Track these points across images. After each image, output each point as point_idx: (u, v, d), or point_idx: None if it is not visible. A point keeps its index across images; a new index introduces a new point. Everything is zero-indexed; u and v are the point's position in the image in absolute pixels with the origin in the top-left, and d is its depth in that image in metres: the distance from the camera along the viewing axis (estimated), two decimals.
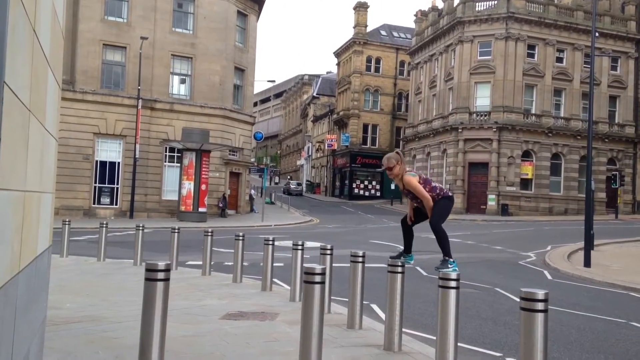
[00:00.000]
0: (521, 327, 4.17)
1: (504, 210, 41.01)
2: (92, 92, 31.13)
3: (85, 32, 31.06)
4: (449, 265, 5.98)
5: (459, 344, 5.36)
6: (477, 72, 43.65)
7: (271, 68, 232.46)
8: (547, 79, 43.59)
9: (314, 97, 78.19)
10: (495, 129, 42.05)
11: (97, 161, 31.27)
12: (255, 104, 71.70)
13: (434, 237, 6.23)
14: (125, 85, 31.98)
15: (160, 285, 4.51)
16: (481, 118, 43.17)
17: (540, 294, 4.14)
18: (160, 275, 4.54)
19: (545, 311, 4.11)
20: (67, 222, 14.18)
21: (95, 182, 31.18)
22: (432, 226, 6.23)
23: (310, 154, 78.78)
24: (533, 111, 43.64)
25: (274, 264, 10.45)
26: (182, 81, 34.00)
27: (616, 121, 45.94)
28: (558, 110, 44.60)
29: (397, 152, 6.63)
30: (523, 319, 4.15)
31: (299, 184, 69.41)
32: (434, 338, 5.64)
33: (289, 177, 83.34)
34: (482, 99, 43.70)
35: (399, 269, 6.31)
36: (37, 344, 4.34)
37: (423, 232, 29.17)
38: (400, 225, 6.74)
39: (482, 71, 43.53)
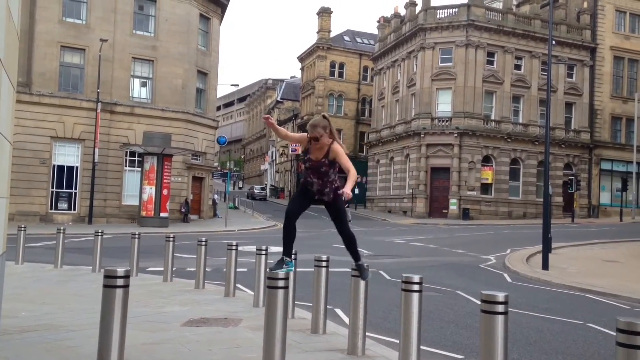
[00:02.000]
0: (482, 329, 4.23)
1: (465, 214, 41.70)
2: (50, 95, 30.36)
3: (42, 33, 30.29)
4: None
5: (421, 347, 5.41)
6: (439, 78, 44.34)
7: (235, 72, 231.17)
8: (506, 85, 44.60)
9: (278, 102, 78.14)
10: (456, 135, 42.75)
11: (54, 165, 30.48)
12: (218, 108, 71.18)
13: (345, 233, 5.84)
14: (84, 88, 31.30)
15: (119, 292, 4.42)
16: (443, 124, 43.84)
17: (501, 296, 4.21)
18: (120, 281, 4.44)
19: (505, 313, 4.18)
20: (22, 228, 13.74)
21: (53, 187, 30.37)
22: (345, 227, 5.82)
23: (274, 158, 78.59)
24: (493, 117, 44.55)
25: (238, 270, 10.36)
26: (143, 84, 33.47)
27: (572, 127, 47.29)
28: (517, 116, 45.65)
29: (324, 117, 5.84)
30: (483, 321, 4.20)
31: (263, 189, 69.14)
32: (397, 341, 5.67)
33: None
34: (444, 104, 44.40)
35: None
36: None
37: (387, 237, 29.26)
38: (285, 222, 5.76)
39: (443, 77, 44.23)
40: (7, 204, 4.57)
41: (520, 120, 45.49)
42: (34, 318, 7.50)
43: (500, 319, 4.15)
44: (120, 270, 4.49)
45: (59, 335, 6.59)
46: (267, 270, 5.02)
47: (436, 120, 44.17)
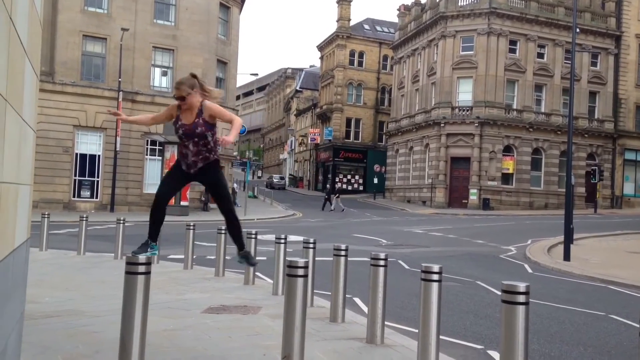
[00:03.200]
0: (502, 319, 4.20)
1: (485, 204, 41.37)
2: (72, 84, 30.68)
3: (64, 22, 30.57)
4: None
5: (441, 337, 5.39)
6: (460, 67, 43.86)
7: (254, 61, 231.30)
8: (528, 74, 43.95)
9: (297, 91, 78.00)
10: (477, 124, 42.33)
11: (77, 154, 30.87)
12: (238, 97, 71.31)
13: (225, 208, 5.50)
14: (105, 77, 31.58)
15: (140, 278, 4.46)
16: (463, 113, 43.42)
17: (522, 286, 4.17)
18: (141, 268, 4.49)
19: (526, 304, 4.14)
20: (46, 215, 13.96)
21: (75, 175, 30.79)
22: (231, 205, 5.48)
23: (293, 147, 78.64)
24: (514, 106, 43.98)
25: (257, 258, 10.41)
26: (164, 73, 33.66)
27: (596, 117, 46.50)
28: (539, 105, 45.00)
29: (192, 75, 5.31)
30: (504, 312, 4.17)
31: (282, 178, 69.27)
32: (416, 331, 5.66)
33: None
34: (465, 94, 43.94)
35: (382, 263, 6.32)
36: (15, 338, 4.27)
37: (406, 226, 29.17)
38: (154, 205, 5.37)
39: (464, 66, 43.74)
40: (31, 191, 4.64)
41: (543, 110, 44.84)
42: (57, 304, 7.64)
43: (521, 309, 4.11)
44: (142, 258, 4.54)
45: (82, 320, 6.70)
46: (131, 253, 4.79)
47: (457, 110, 43.76)
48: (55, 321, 6.60)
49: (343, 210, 38.20)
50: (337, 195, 40.64)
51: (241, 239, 5.57)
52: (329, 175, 61.02)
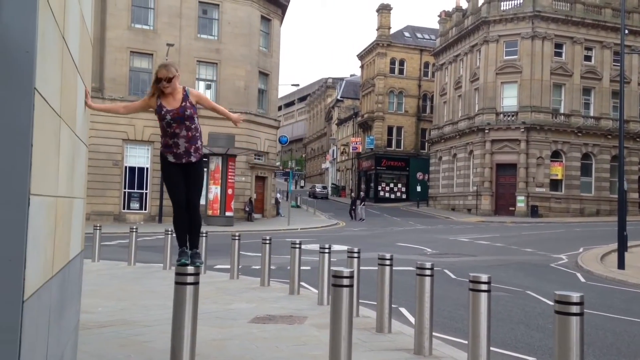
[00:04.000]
0: (555, 330, 4.07)
1: (533, 211, 40.37)
2: (121, 99, 31.60)
3: (112, 39, 31.59)
4: (197, 259, 5.19)
5: (491, 348, 5.27)
6: (504, 72, 43.12)
7: (295, 72, 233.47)
8: (575, 77, 42.82)
9: (338, 100, 78.19)
10: (523, 130, 41.46)
11: (126, 167, 31.75)
12: (279, 108, 71.98)
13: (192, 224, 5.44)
14: None
15: (190, 289, 4.54)
16: (508, 118, 42.61)
17: (575, 296, 4.04)
18: (190, 279, 4.56)
19: (580, 314, 4.00)
20: (98, 227, 14.38)
21: (125, 188, 31.64)
22: (198, 200, 5.41)
23: (335, 157, 78.73)
24: (562, 110, 42.90)
25: (301, 268, 10.44)
26: (208, 87, 34.31)
27: None
28: (587, 109, 43.75)
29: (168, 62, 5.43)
30: (558, 323, 4.05)
31: (325, 187, 69.39)
32: (465, 342, 5.55)
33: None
34: (509, 99, 43.15)
35: (427, 272, 6.23)
36: (71, 348, 4.39)
37: (451, 235, 28.72)
38: (176, 212, 5.34)
39: (508, 71, 42.98)
40: (84, 204, 4.79)
41: (592, 114, 43.57)
42: (109, 313, 7.83)
43: (575, 320, 3.98)
44: (191, 268, 4.62)
45: (134, 330, 6.85)
46: (176, 262, 4.92)
47: (501, 115, 42.98)
48: (108, 331, 6.77)
49: (362, 219, 37.08)
50: (362, 202, 39.20)
51: (196, 237, 5.41)
52: (372, 184, 60.79)
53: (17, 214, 2.18)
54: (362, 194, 46.63)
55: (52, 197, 2.82)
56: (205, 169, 31.14)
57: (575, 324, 3.98)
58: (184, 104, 5.12)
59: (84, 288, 5.41)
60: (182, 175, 5.30)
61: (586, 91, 43.47)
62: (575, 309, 4.01)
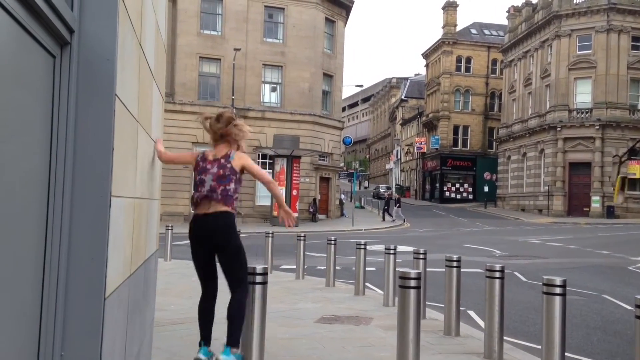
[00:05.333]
0: (637, 337, 3.88)
1: (609, 212, 38.53)
2: (191, 104, 32.60)
3: (183, 46, 32.64)
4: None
5: (566, 354, 5.07)
6: (577, 67, 41.43)
7: (359, 72, 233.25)
8: None
9: (402, 100, 77.49)
10: (597, 127, 39.67)
11: None
12: (343, 109, 72.07)
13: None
14: (220, 95, 33.26)
15: (258, 288, 4.63)
16: (582, 115, 40.89)
17: None
18: (259, 278, 4.66)
19: None
20: (170, 228, 14.89)
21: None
22: (242, 285, 4.54)
23: (399, 157, 78.06)
24: (639, 106, 40.75)
25: (366, 268, 10.41)
26: (273, 89, 34.84)
27: None
28: None
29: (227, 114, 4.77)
30: (639, 329, 3.85)
31: (389, 188, 68.95)
32: (537, 347, 5.37)
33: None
34: (583, 95, 41.40)
35: (497, 274, 6.08)
36: (147, 344, 4.58)
37: (521, 236, 27.80)
38: (203, 301, 4.75)
39: (581, 66, 41.26)
40: (159, 205, 4.97)
41: None
42: (181, 311, 8.09)
43: None
44: (259, 268, 4.71)
45: None
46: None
47: (574, 112, 41.31)
48: (181, 328, 7.00)
49: (404, 221, 34.99)
50: (398, 204, 37.26)
51: (238, 330, 4.45)
52: (437, 184, 59.83)
53: (100, 215, 2.29)
54: (395, 194, 43.79)
55: (131, 198, 2.96)
56: (270, 171, 31.83)
57: None
58: (223, 161, 4.51)
59: (157, 286, 5.62)
60: (208, 249, 4.53)
61: None
62: None
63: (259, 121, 33.67)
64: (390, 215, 36.73)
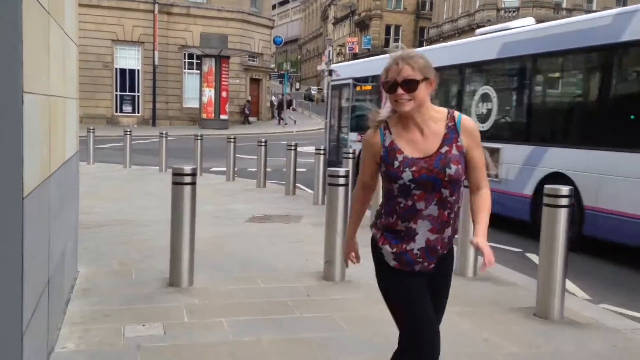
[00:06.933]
0: None
1: None
2: None
3: None
4: None
5: None
6: None
7: None
8: None
9: None
10: None
11: (116, 69, 31.10)
12: (273, 7, 69.43)
13: None
14: None
15: (187, 188, 4.62)
16: (509, 15, 41.36)
17: None
18: (187, 179, 4.63)
19: None
20: (91, 130, 14.36)
21: (116, 90, 31.19)
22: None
23: (331, 58, 77.13)
24: (564, 5, 41.52)
25: (297, 169, 10.57)
26: None
27: None
28: (590, 2, 42.37)
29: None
30: None
31: (320, 89, 68.61)
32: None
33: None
34: None
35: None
36: (72, 245, 4.54)
37: None
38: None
39: None
40: (77, 105, 4.75)
41: (594, 8, 42.25)
42: (107, 214, 8.01)
43: None
44: (188, 169, 4.68)
45: (133, 229, 7.04)
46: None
47: (502, 12, 41.68)
48: (108, 230, 6.96)
49: (294, 122, 34.68)
50: (290, 106, 36.00)
51: None
52: None
53: (13, 112, 2.16)
54: (287, 97, 42.12)
55: (44, 95, 2.80)
56: (198, 72, 30.78)
57: None
58: (446, 148, 2.35)
59: (80, 190, 5.49)
60: (423, 287, 2.46)
61: None
62: None
63: (184, 18, 31.99)
64: (282, 118, 34.99)
